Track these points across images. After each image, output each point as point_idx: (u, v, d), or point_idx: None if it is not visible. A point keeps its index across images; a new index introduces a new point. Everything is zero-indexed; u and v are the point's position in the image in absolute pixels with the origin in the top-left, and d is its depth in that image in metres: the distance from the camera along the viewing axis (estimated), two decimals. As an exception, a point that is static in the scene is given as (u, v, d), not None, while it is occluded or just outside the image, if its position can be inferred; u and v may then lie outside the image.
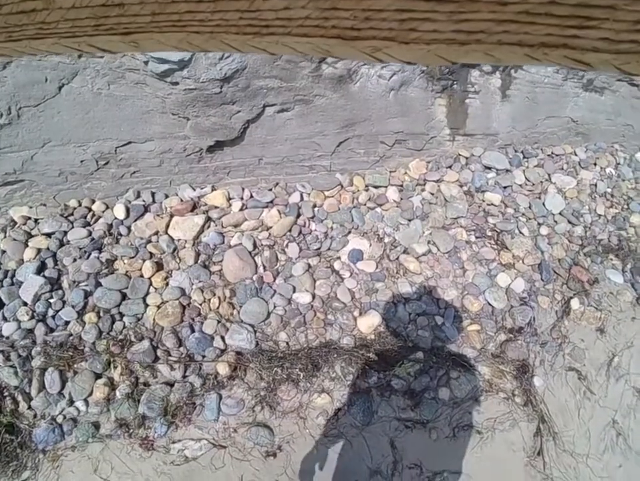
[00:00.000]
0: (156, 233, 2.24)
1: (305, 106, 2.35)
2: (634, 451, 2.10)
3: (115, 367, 1.88)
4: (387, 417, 1.95)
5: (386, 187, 2.66)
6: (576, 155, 3.12)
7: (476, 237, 2.52)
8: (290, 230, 2.39)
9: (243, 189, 2.50)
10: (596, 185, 3.01)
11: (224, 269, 2.21)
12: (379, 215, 2.55)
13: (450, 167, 2.81)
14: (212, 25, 0.26)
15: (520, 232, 2.60)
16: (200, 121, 2.15)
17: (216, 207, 2.39)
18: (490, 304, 2.29)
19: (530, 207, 2.73)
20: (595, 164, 3.13)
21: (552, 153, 3.06)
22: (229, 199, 2.45)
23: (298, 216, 2.45)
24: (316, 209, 2.53)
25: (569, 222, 2.77)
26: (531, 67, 2.75)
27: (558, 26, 0.20)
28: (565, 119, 3.09)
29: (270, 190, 2.55)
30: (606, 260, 2.69)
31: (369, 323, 2.13)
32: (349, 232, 2.46)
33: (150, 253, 2.17)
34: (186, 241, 2.25)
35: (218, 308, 2.11)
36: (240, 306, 2.13)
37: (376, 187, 2.66)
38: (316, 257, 2.35)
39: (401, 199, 2.63)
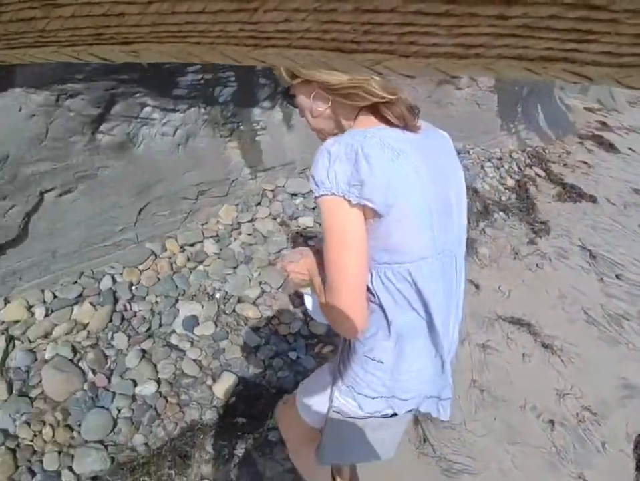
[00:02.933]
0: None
1: (90, 182, 2.18)
2: (499, 398, 2.30)
3: None
4: (277, 473, 1.84)
5: (202, 242, 2.53)
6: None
7: (303, 263, 2.54)
8: (110, 320, 2.13)
9: (43, 291, 2.16)
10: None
11: (47, 390, 1.87)
12: (203, 272, 2.41)
13: (259, 204, 2.85)
14: (212, 36, 0.26)
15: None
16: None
17: (16, 322, 2.04)
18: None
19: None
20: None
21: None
22: (29, 307, 2.10)
23: (116, 301, 2.20)
24: (133, 288, 2.28)
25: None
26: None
27: (558, 40, 0.20)
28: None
29: (75, 282, 2.24)
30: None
31: (226, 387, 2.02)
32: (177, 301, 2.28)
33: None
34: (-13, 374, 1.90)
35: (54, 437, 1.79)
36: (79, 425, 1.82)
37: (192, 245, 2.55)
38: (148, 339, 2.11)
39: (221, 249, 2.52)
